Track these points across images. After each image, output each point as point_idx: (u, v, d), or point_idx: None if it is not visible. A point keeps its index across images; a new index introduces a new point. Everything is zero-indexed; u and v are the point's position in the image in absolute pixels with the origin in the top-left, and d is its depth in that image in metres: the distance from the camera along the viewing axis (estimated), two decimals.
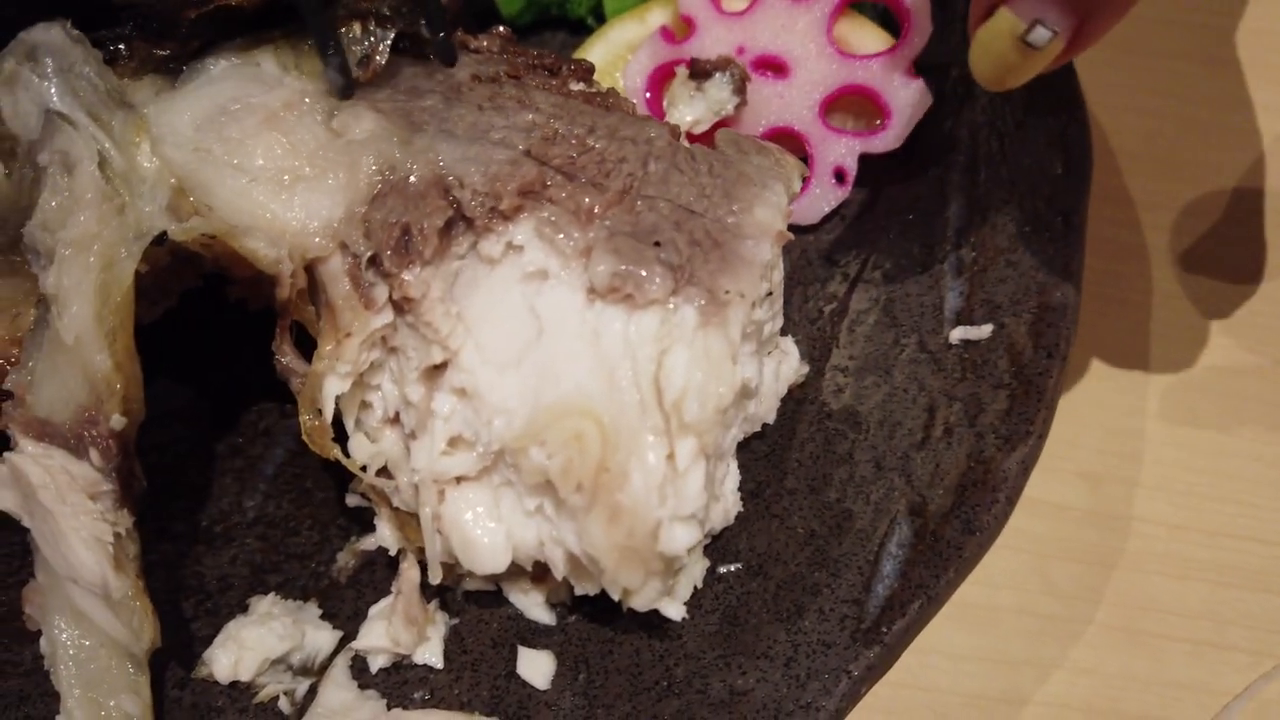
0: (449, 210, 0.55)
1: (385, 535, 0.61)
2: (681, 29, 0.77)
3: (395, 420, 0.58)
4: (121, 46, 0.58)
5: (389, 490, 0.58)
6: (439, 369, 0.55)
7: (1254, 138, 0.87)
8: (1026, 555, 0.71)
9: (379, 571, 0.61)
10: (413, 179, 0.56)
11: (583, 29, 0.85)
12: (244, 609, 0.60)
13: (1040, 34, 0.51)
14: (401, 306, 0.55)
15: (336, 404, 0.55)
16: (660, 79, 0.76)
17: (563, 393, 0.52)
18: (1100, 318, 0.79)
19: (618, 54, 0.79)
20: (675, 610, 0.55)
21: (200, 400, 0.66)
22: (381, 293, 0.54)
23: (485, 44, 0.67)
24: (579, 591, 0.56)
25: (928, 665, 0.67)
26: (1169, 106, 0.89)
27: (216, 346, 0.68)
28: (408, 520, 0.59)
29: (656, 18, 0.78)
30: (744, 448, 0.64)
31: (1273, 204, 0.84)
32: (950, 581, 0.56)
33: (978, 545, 0.57)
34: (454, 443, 0.55)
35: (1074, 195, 0.67)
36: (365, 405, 0.58)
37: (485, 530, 0.55)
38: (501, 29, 0.68)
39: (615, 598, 0.54)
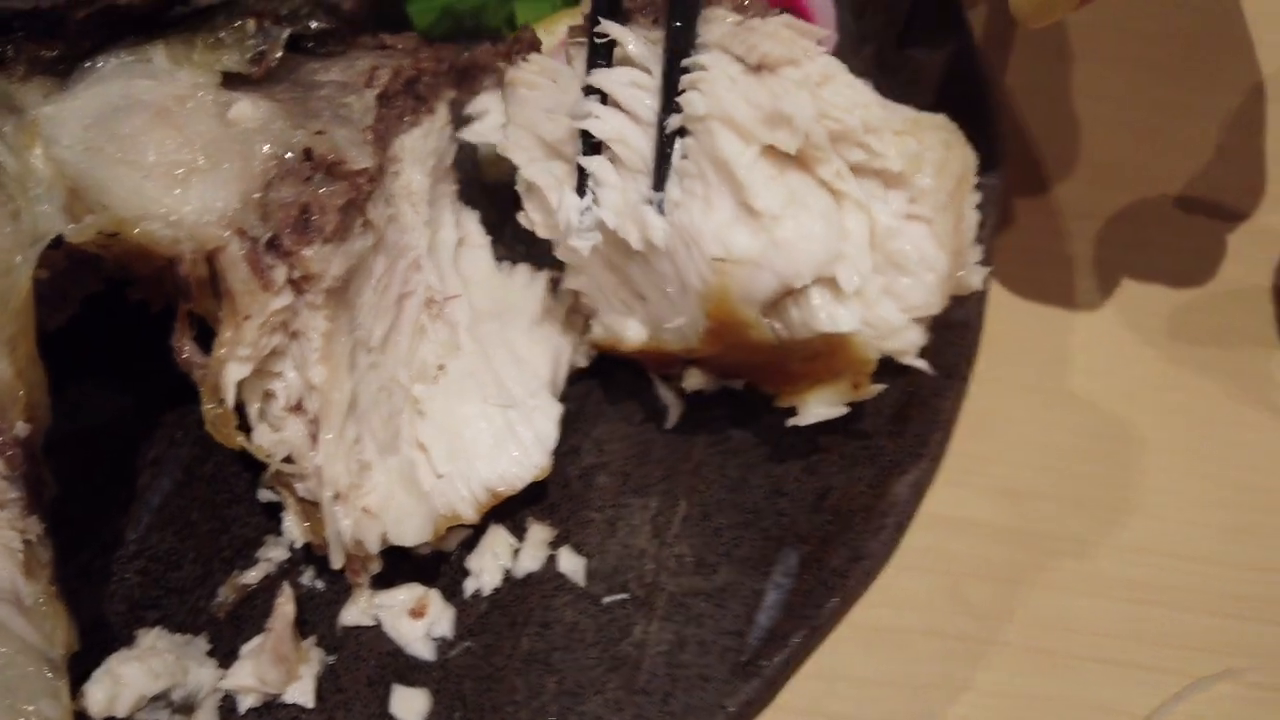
0: (350, 191, 0.55)
1: (291, 528, 0.60)
2: None
3: (298, 408, 0.57)
4: (9, 49, 0.58)
5: (295, 477, 0.57)
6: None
7: (1185, 143, 0.86)
8: (938, 575, 0.69)
9: (259, 607, 0.60)
10: (309, 160, 0.55)
11: (499, 39, 0.84)
12: (129, 641, 0.59)
13: None
14: (301, 286, 0.55)
15: (240, 395, 0.55)
16: None
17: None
18: (1021, 329, 0.78)
19: None
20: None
21: (83, 430, 0.65)
22: (280, 274, 0.54)
23: (399, 42, 0.66)
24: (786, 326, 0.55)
25: (833, 692, 0.66)
26: (1100, 110, 0.88)
27: (100, 377, 0.67)
28: (314, 512, 0.58)
29: (563, 29, 0.77)
30: (641, 472, 0.63)
31: (1203, 211, 0.83)
32: (835, 610, 0.55)
33: (864, 573, 0.56)
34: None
35: (981, 213, 0.65)
36: (268, 395, 0.57)
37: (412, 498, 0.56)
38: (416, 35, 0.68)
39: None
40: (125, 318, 0.67)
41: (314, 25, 0.60)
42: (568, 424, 0.64)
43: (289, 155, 0.54)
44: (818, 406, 0.57)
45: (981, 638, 0.68)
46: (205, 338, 0.57)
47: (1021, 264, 0.80)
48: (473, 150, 0.76)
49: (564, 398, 0.65)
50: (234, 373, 0.53)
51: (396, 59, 0.61)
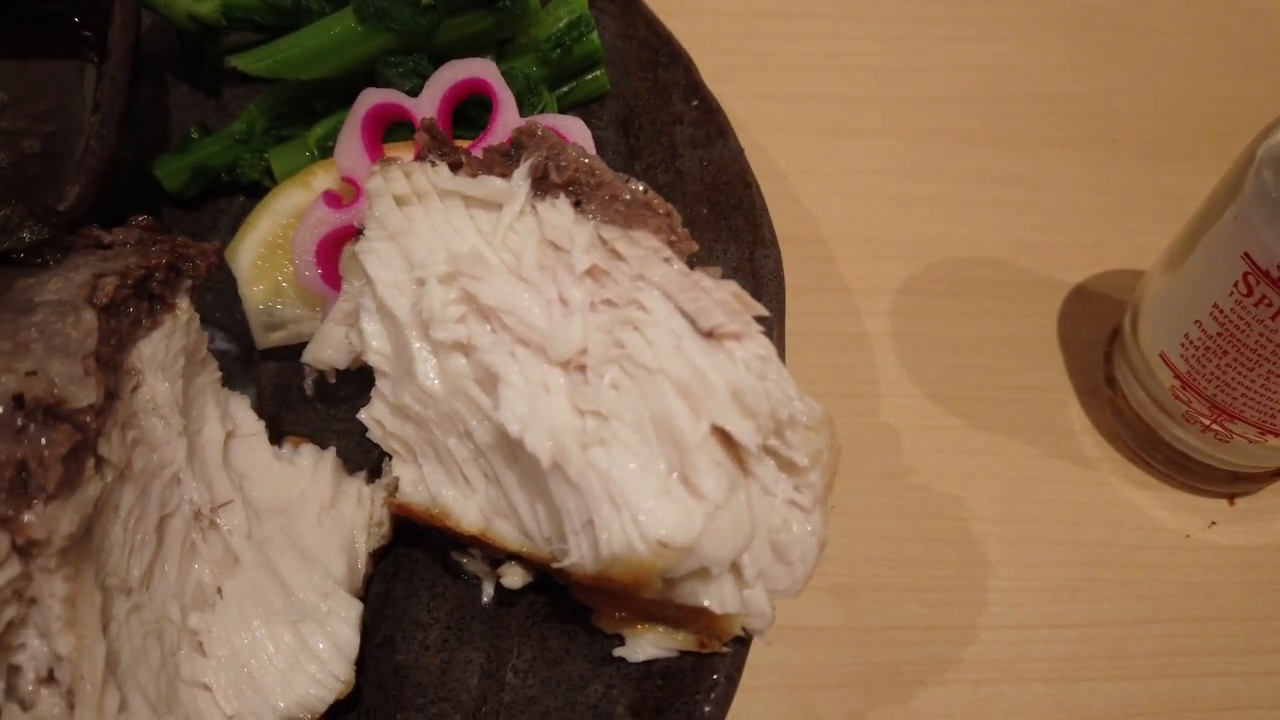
0: (73, 434, 0.49)
1: None
2: (347, 192, 0.72)
3: (50, 679, 0.50)
4: None
5: None
6: None
7: (958, 207, 0.88)
8: (786, 690, 0.68)
9: None
10: (21, 409, 0.49)
11: (259, 190, 0.79)
12: None
13: None
14: (28, 551, 0.48)
15: None
16: (330, 246, 0.70)
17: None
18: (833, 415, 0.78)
19: (286, 223, 0.73)
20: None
21: None
22: (3, 543, 0.47)
23: (121, 236, 0.60)
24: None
25: None
26: (876, 184, 0.90)
27: None
28: None
29: (320, 181, 0.73)
30: (460, 657, 0.59)
31: (984, 273, 0.85)
32: None
33: None
34: None
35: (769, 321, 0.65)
36: (14, 669, 0.50)
37: None
38: (143, 219, 0.62)
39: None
40: None
41: (27, 238, 0.55)
42: (378, 611, 0.60)
43: None
44: (652, 646, 0.55)
45: None
46: None
47: (821, 350, 0.81)
48: (241, 321, 0.71)
49: (369, 578, 0.61)
50: None
51: (121, 259, 0.55)
